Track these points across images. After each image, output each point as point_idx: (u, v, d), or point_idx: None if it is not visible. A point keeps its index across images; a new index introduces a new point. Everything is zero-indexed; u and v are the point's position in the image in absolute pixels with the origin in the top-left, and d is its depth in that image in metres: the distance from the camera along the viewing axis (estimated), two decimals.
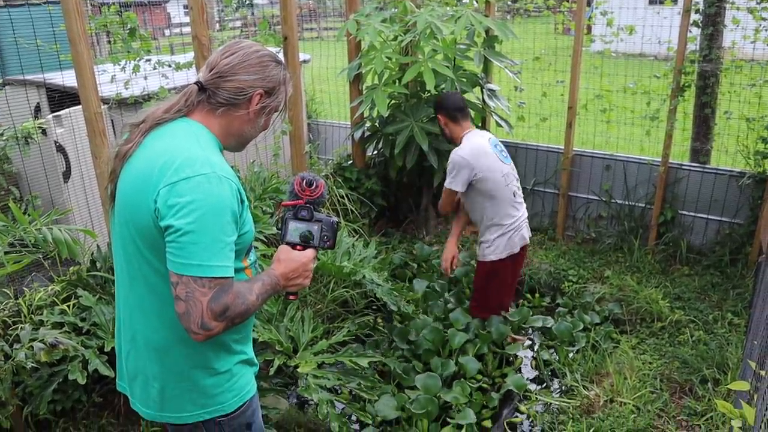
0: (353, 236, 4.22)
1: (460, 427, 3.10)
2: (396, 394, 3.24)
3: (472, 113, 4.93)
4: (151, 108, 1.68)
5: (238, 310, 1.55)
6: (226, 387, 1.72)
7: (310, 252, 1.74)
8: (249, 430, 1.81)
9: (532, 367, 3.79)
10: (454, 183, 3.50)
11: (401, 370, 3.45)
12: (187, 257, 1.47)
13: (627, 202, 5.01)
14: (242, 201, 1.61)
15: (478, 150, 3.50)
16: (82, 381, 2.59)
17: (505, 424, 3.25)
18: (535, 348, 3.90)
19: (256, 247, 2.73)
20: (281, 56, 1.74)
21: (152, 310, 1.64)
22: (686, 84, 4.54)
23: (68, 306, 2.96)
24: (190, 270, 1.47)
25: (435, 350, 3.63)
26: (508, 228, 3.55)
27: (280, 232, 1.77)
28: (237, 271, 1.64)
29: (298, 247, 1.74)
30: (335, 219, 1.78)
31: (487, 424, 3.24)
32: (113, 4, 3.61)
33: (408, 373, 3.45)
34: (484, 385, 3.49)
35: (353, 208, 4.69)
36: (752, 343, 2.80)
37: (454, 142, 3.68)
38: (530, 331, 4.08)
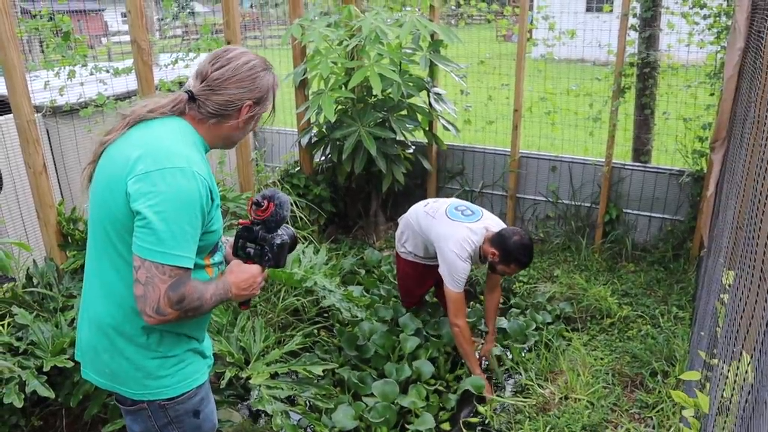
0: (303, 243, 4.15)
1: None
2: (352, 403, 3.19)
3: (419, 117, 4.95)
4: (138, 104, 1.73)
5: (193, 304, 1.61)
6: (172, 371, 1.76)
7: (255, 267, 1.82)
8: (197, 417, 1.84)
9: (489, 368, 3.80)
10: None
11: (357, 378, 3.39)
12: (153, 243, 1.53)
13: (573, 202, 5.11)
14: (212, 200, 1.67)
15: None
16: (19, 404, 2.43)
17: (461, 425, 3.24)
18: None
19: None
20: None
21: (109, 289, 1.70)
22: (626, 86, 4.66)
23: (2, 325, 2.79)
24: (153, 256, 1.53)
25: (385, 355, 3.59)
26: None
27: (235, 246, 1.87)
28: (198, 267, 1.70)
29: (249, 261, 1.83)
30: (282, 240, 1.84)
31: (446, 426, 3.22)
32: (44, 9, 3.46)
33: (364, 381, 3.39)
34: (440, 388, 3.47)
35: (302, 215, 4.63)
36: (699, 334, 2.87)
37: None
38: (482, 333, 4.08)
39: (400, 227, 3.85)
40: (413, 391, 3.27)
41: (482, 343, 3.93)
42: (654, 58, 4.86)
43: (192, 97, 1.70)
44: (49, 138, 4.01)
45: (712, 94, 4.53)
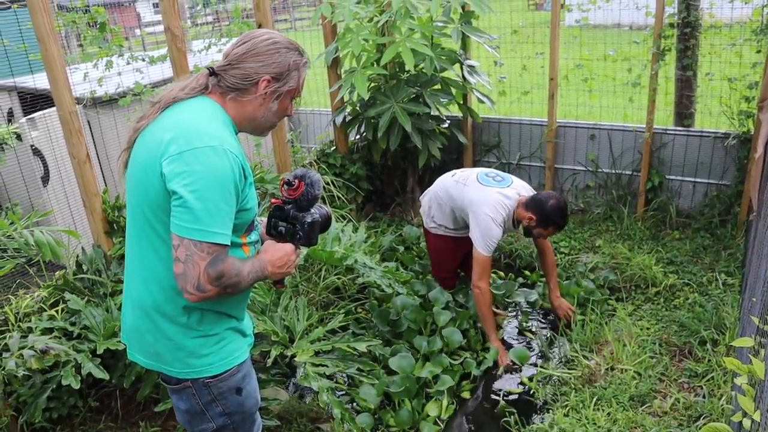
0: (341, 222, 4.17)
1: (441, 397, 3.14)
2: (381, 377, 3.21)
3: (453, 91, 4.90)
4: (165, 90, 1.78)
5: (232, 280, 1.65)
6: (213, 350, 1.80)
7: (289, 246, 1.85)
8: (239, 394, 1.88)
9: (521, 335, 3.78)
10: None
11: (389, 353, 3.41)
12: (190, 222, 1.57)
13: (614, 171, 5.00)
14: (245, 177, 1.69)
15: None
16: (76, 386, 2.53)
17: (481, 393, 3.27)
18: (530, 323, 3.89)
19: None
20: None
21: (149, 271, 1.74)
22: (666, 48, 4.51)
23: (56, 311, 2.89)
24: (191, 234, 1.57)
25: (417, 329, 3.61)
26: None
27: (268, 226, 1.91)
28: (234, 246, 1.73)
29: (281, 240, 1.86)
30: (313, 218, 1.86)
31: (466, 395, 3.27)
32: (80, 1, 3.51)
33: (397, 354, 3.41)
34: (469, 358, 3.49)
35: (339, 194, 4.64)
36: (750, 300, 2.79)
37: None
38: (515, 305, 4.06)
39: (425, 203, 3.85)
40: (431, 362, 3.30)
41: (508, 314, 3.93)
42: (695, 17, 4.69)
43: (213, 73, 1.75)
44: (90, 128, 4.11)
45: (758, 52, 4.35)
